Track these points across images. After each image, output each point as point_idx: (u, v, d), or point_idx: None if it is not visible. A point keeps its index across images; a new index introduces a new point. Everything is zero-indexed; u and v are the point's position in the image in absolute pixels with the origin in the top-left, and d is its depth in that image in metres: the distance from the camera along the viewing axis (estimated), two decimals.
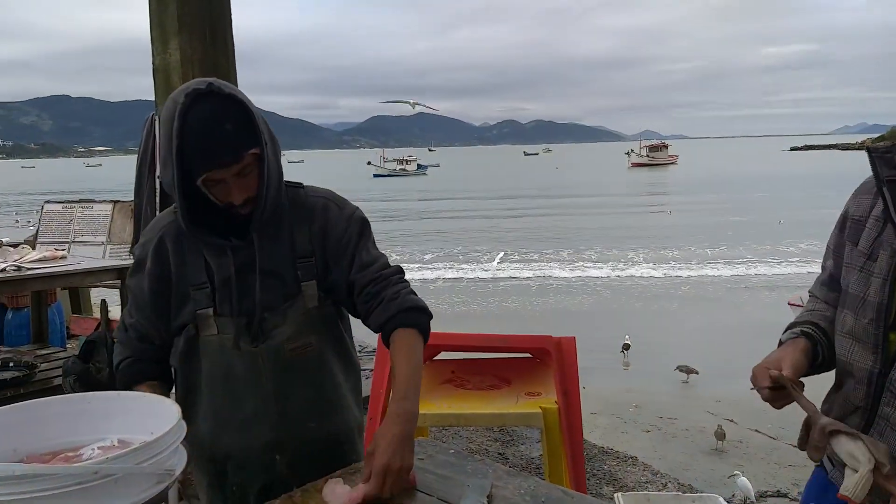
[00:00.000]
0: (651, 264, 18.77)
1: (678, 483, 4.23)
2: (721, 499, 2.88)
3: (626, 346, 10.12)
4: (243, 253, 1.57)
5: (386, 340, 1.61)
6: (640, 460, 4.69)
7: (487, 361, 3.06)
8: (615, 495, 3.22)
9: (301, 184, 1.68)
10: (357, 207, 1.71)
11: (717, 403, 8.92)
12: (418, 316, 1.61)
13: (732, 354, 10.96)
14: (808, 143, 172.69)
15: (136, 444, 0.95)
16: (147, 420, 1.11)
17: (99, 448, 1.08)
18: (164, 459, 0.97)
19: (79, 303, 6.62)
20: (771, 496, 6.07)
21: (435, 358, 3.20)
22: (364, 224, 1.68)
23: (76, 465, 0.87)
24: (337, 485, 1.41)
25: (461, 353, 3.27)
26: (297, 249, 1.61)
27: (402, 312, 1.60)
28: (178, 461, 1.03)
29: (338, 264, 1.64)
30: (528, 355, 3.06)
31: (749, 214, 28.80)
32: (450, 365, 3.07)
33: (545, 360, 2.94)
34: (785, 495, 6.31)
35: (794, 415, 1.35)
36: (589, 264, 19.00)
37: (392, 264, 1.68)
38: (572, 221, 28.13)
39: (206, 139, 1.41)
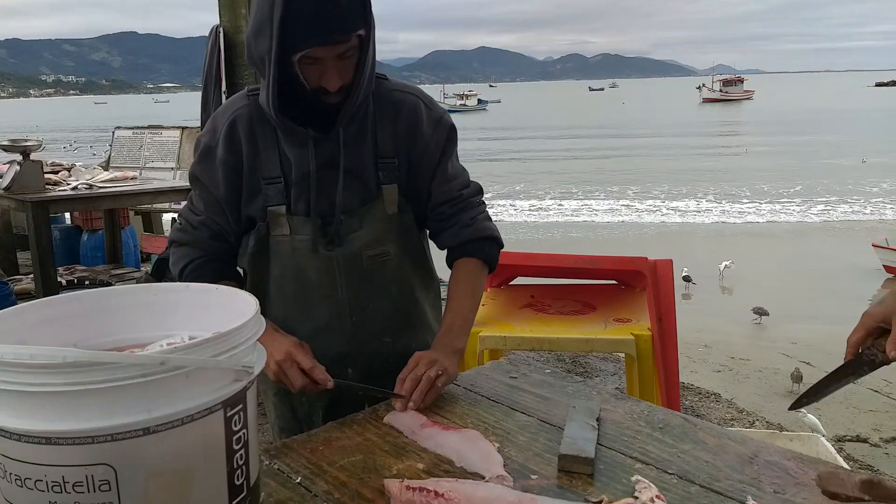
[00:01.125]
0: (723, 203, 18.06)
1: (766, 422, 4.01)
2: (823, 439, 2.65)
3: (687, 279, 10.08)
4: (326, 147, 1.40)
5: (449, 262, 1.55)
6: (724, 397, 4.48)
7: (568, 287, 2.87)
8: None
9: (385, 76, 1.50)
10: (445, 111, 1.55)
11: (793, 346, 8.66)
12: (489, 247, 1.53)
13: (810, 297, 10.51)
14: (895, 79, 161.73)
15: None
16: (221, 315, 0.96)
17: (168, 345, 0.94)
18: (241, 354, 0.83)
19: (151, 228, 6.73)
20: (849, 440, 5.80)
21: (511, 283, 3.03)
22: (453, 131, 1.53)
23: (139, 353, 0.73)
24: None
25: (538, 279, 3.09)
26: (379, 149, 1.45)
27: (475, 241, 1.51)
28: (258, 359, 0.88)
29: (421, 170, 1.49)
30: (613, 282, 2.85)
31: (830, 153, 27.27)
32: (528, 290, 2.89)
33: (633, 286, 2.73)
34: (865, 440, 6.02)
35: None
36: (658, 203, 18.41)
37: (472, 181, 1.57)
38: (639, 162, 27.17)
39: (318, 9, 1.22)
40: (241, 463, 0.85)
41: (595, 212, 17.57)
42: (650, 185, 20.93)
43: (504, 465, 1.10)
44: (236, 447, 0.84)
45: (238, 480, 0.85)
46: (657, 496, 0.99)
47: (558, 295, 2.76)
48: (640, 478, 1.04)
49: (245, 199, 1.43)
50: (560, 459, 1.09)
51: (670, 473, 1.09)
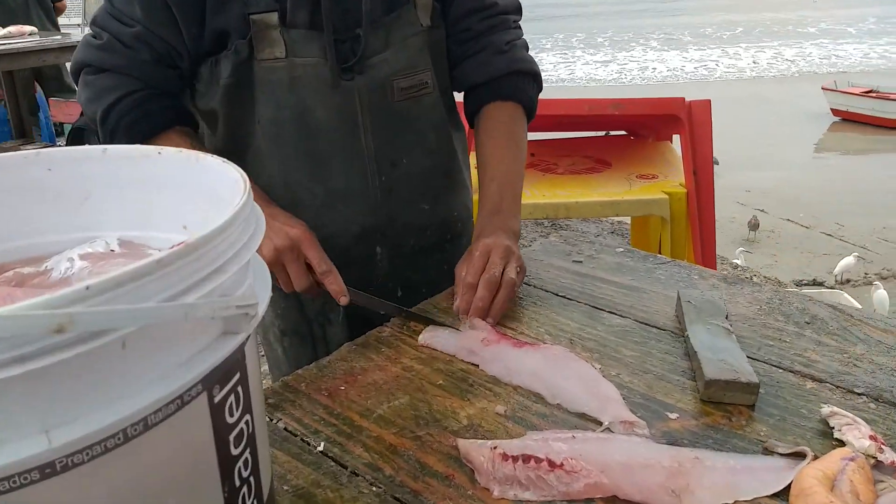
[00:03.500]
0: (666, 50, 17.63)
1: (777, 280, 3.84)
2: (846, 294, 2.45)
3: None
4: None
5: (475, 106, 1.11)
6: (722, 256, 4.29)
7: (572, 141, 2.47)
8: None
9: None
10: None
11: (747, 194, 8.71)
12: (530, 86, 1.12)
13: (759, 144, 10.48)
14: None
15: (158, 250, 0.38)
16: (176, 198, 0.53)
17: (82, 258, 0.52)
18: (232, 282, 0.41)
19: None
20: (806, 285, 5.89)
21: None
22: None
23: (9, 308, 0.31)
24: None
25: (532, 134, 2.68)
26: None
27: (513, 77, 1.08)
28: (260, 283, 0.47)
29: None
30: (622, 132, 2.46)
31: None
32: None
33: (645, 136, 2.35)
34: (821, 283, 6.14)
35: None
36: (610, 52, 17.82)
37: None
38: (584, 21, 26.09)
39: None
40: (245, 474, 0.46)
41: (543, 66, 16.97)
42: (595, 33, 20.26)
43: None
44: (236, 450, 0.45)
45: (245, 502, 0.46)
46: (872, 437, 0.66)
47: (563, 151, 2.36)
48: (834, 409, 0.71)
49: (212, 3, 0.93)
50: (708, 386, 0.74)
51: (858, 394, 0.76)
